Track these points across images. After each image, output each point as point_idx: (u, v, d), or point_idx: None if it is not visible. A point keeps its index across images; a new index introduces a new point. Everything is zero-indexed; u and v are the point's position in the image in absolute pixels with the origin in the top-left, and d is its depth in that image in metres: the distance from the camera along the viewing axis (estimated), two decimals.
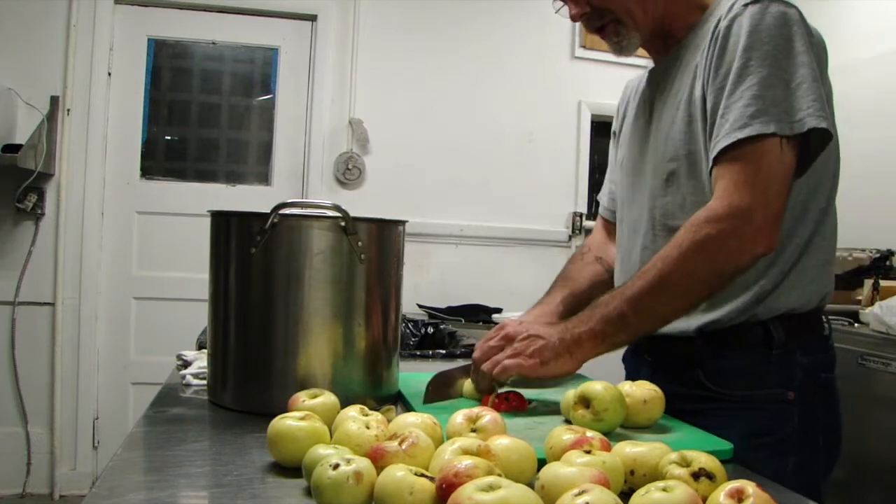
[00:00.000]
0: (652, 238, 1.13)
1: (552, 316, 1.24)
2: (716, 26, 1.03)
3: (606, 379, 0.96)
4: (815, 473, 1.05)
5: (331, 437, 0.79)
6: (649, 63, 1.27)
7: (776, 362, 1.04)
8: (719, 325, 1.05)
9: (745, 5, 1.00)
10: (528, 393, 1.08)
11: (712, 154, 0.99)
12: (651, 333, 1.04)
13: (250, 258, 0.97)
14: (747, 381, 1.05)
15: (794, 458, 1.01)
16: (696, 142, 1.05)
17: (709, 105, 1.02)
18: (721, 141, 0.98)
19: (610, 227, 1.38)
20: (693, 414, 1.01)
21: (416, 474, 0.63)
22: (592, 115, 3.59)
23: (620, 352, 1.27)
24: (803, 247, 1.05)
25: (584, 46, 3.57)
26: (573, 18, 1.13)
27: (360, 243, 0.99)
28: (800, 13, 1.00)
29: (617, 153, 1.32)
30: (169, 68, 3.33)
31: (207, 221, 1.05)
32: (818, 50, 1.02)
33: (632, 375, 1.22)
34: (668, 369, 1.11)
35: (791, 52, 0.97)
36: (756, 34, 0.97)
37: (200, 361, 1.17)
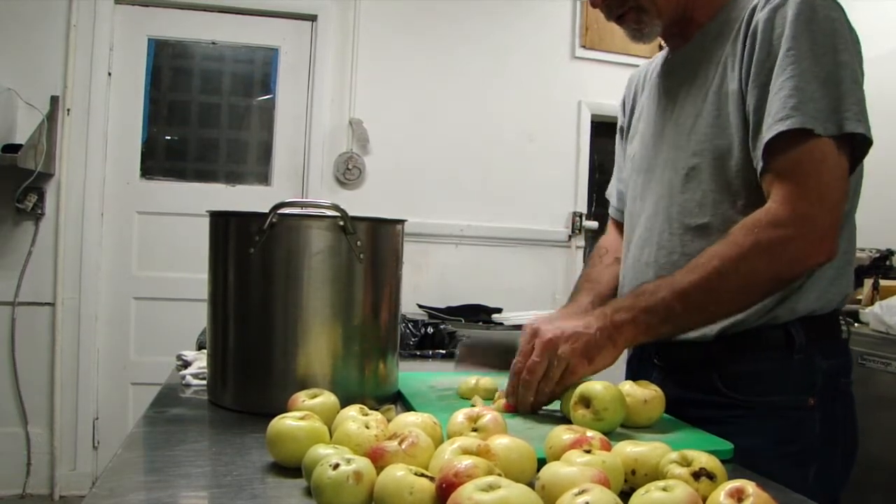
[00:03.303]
0: (668, 237, 1.08)
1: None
2: (750, 17, 0.99)
3: (607, 379, 0.96)
4: (836, 482, 1.02)
5: (331, 437, 0.79)
6: (649, 60, 1.26)
7: (797, 367, 1.00)
8: (742, 326, 1.01)
9: None
10: None
11: (759, 150, 0.95)
12: (693, 330, 1.01)
13: (249, 258, 0.97)
14: (767, 387, 1.01)
15: (815, 466, 0.98)
16: (724, 136, 1.01)
17: (751, 102, 0.97)
18: (765, 135, 0.94)
19: (622, 227, 1.33)
20: (709, 422, 0.97)
21: (416, 474, 0.63)
22: (592, 115, 3.59)
23: (625, 354, 1.27)
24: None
25: (584, 46, 3.57)
26: (593, 4, 1.10)
27: (359, 243, 0.99)
28: (843, 10, 0.97)
29: (626, 149, 1.28)
30: (169, 68, 3.33)
31: (207, 221, 1.05)
32: (859, 45, 0.99)
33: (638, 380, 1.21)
34: (681, 375, 1.07)
35: (835, 50, 0.94)
36: (799, 26, 0.93)
37: (200, 361, 1.17)
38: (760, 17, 0.98)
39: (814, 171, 0.92)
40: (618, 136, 1.35)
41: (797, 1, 0.95)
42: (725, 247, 0.94)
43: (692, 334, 1.03)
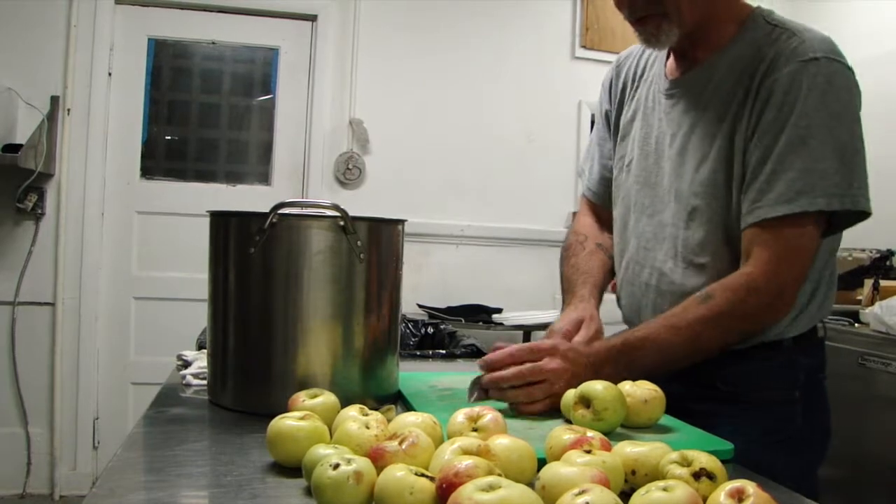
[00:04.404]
0: (672, 267, 1.13)
1: (595, 321, 1.20)
2: (764, 74, 1.00)
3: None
4: (814, 464, 1.11)
5: (331, 437, 0.79)
6: (640, 49, 1.25)
7: (784, 365, 1.08)
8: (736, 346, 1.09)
9: (804, 61, 0.97)
10: None
11: (749, 218, 1.01)
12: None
13: (249, 258, 0.97)
14: (758, 383, 1.08)
15: (798, 452, 1.05)
16: (726, 187, 1.06)
17: (751, 160, 1.01)
18: (764, 210, 0.99)
19: (598, 210, 1.36)
20: (704, 415, 1.01)
21: (416, 474, 0.63)
22: (593, 116, 3.58)
23: None
24: (815, 285, 1.09)
25: (584, 46, 3.57)
26: (617, 5, 1.09)
27: (359, 243, 0.99)
28: (853, 72, 1.00)
29: (614, 140, 1.28)
30: (169, 68, 3.33)
31: (207, 221, 1.05)
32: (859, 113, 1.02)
33: None
34: (683, 372, 1.11)
35: (847, 122, 0.98)
36: (813, 99, 0.96)
37: (200, 361, 1.17)
38: (777, 78, 0.99)
39: (794, 241, 0.99)
40: (601, 119, 1.34)
41: (813, 71, 0.97)
42: (708, 311, 1.02)
43: None
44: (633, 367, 1.02)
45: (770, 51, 1.01)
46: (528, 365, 0.98)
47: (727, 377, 1.09)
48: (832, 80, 0.97)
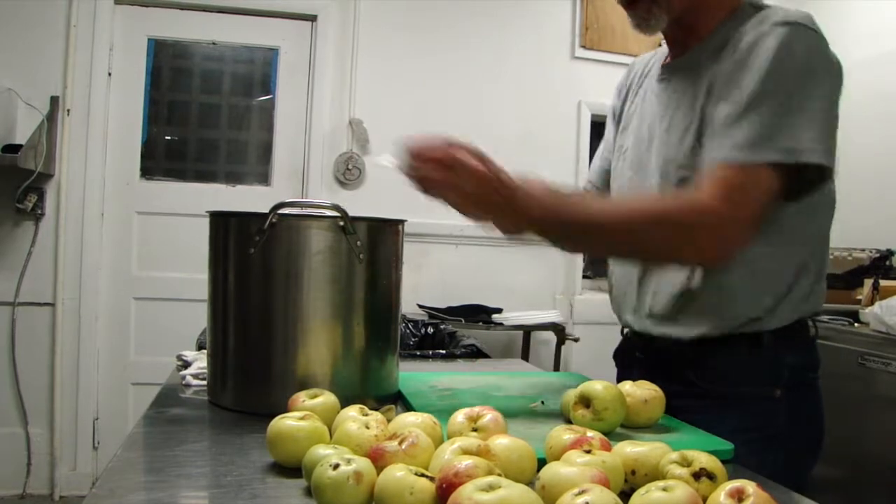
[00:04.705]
0: None
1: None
2: (738, 41, 1.02)
3: (606, 379, 0.96)
4: (801, 467, 1.09)
5: (331, 437, 0.79)
6: (652, 53, 1.26)
7: (764, 361, 1.07)
8: (717, 332, 1.07)
9: (775, 24, 0.99)
10: (528, 393, 1.07)
11: (708, 156, 1.00)
12: (578, 252, 1.06)
13: (249, 258, 0.97)
14: (737, 379, 1.08)
15: (782, 452, 1.04)
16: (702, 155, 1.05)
17: (715, 111, 1.01)
18: (720, 153, 0.98)
19: None
20: (683, 411, 1.02)
21: (416, 474, 0.63)
22: (592, 115, 3.59)
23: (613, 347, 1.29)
24: (797, 271, 1.07)
25: (584, 46, 3.57)
26: None
27: (358, 243, 0.99)
28: (825, 40, 0.99)
29: (617, 138, 1.30)
30: (169, 68, 3.33)
31: (207, 221, 1.05)
32: (838, 79, 1.01)
33: (624, 373, 1.24)
34: (661, 368, 1.13)
35: (810, 83, 0.97)
36: (780, 60, 0.96)
37: (200, 362, 1.17)
38: (746, 40, 1.01)
39: (748, 192, 0.97)
40: (609, 117, 1.38)
41: (781, 32, 0.98)
42: (652, 205, 1.02)
43: (672, 334, 1.10)
44: (561, 226, 0.99)
45: (750, 23, 1.03)
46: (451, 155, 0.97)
47: (704, 373, 1.09)
48: (798, 41, 0.97)
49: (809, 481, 1.09)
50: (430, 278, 3.35)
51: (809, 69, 0.97)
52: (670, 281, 1.10)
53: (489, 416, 0.82)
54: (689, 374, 1.09)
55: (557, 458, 0.72)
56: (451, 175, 0.95)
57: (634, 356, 1.21)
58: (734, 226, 0.96)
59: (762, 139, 0.95)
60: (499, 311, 3.20)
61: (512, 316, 3.13)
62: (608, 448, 0.75)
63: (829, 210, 1.10)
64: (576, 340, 3.29)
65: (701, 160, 1.02)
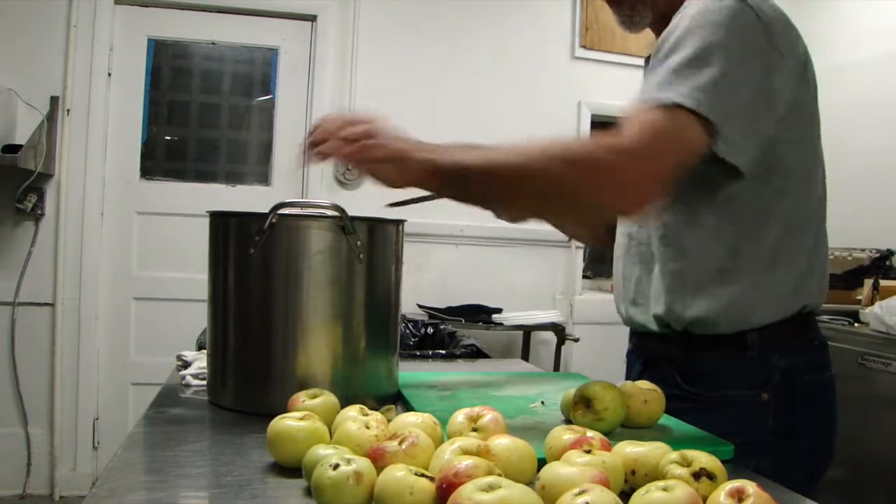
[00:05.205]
0: (637, 229, 1.14)
1: None
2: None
3: (606, 379, 0.96)
4: (797, 476, 0.99)
5: (331, 437, 0.79)
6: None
7: (750, 363, 1.04)
8: (701, 329, 1.05)
9: None
10: (528, 393, 1.07)
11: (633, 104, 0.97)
12: (480, 204, 1.02)
13: (249, 258, 0.97)
14: (721, 382, 1.05)
15: (768, 459, 0.99)
16: None
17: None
18: (634, 104, 0.95)
19: None
20: (672, 413, 1.01)
21: (416, 474, 0.63)
22: (592, 115, 3.59)
23: (622, 350, 1.28)
24: (768, 260, 1.03)
25: (584, 46, 3.57)
26: None
27: (358, 243, 0.99)
28: (759, 16, 0.95)
29: None
30: (169, 68, 3.33)
31: (207, 222, 1.05)
32: (774, 57, 0.96)
33: (628, 373, 1.24)
34: (652, 369, 1.13)
35: (721, 45, 0.93)
36: (694, 21, 0.95)
37: (200, 362, 1.17)
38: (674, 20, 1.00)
39: (661, 130, 0.91)
40: None
41: (708, 3, 0.96)
42: (567, 144, 0.95)
43: (660, 314, 1.08)
44: (453, 154, 0.95)
45: None
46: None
47: (688, 375, 1.07)
48: (720, 9, 0.94)
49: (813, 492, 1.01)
50: (430, 278, 3.36)
51: (726, 31, 0.93)
52: (647, 267, 1.10)
53: (489, 416, 0.82)
54: (674, 375, 1.08)
55: (557, 458, 0.72)
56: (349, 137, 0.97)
57: (639, 356, 1.21)
58: (650, 166, 0.91)
59: (665, 84, 0.92)
60: (499, 311, 3.20)
61: (512, 316, 3.13)
62: (608, 448, 0.75)
63: (804, 191, 1.04)
64: (576, 340, 3.29)
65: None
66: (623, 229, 1.19)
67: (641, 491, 0.61)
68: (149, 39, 3.21)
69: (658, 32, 1.16)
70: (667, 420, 0.99)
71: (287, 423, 0.78)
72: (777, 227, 1.03)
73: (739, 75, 0.94)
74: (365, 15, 3.33)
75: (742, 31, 0.94)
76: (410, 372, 1.24)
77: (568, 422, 0.94)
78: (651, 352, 1.15)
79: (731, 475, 0.69)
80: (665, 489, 0.60)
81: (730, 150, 0.93)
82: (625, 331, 1.26)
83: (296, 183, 3.33)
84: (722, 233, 1.03)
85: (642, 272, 1.13)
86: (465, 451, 0.68)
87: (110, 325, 3.16)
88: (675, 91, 0.91)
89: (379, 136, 0.97)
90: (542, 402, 1.07)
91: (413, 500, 0.61)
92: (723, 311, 1.03)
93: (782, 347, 1.04)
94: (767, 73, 0.96)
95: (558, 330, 3.19)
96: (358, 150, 0.97)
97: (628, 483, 0.71)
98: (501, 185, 0.95)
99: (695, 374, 1.07)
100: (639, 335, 1.18)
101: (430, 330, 1.77)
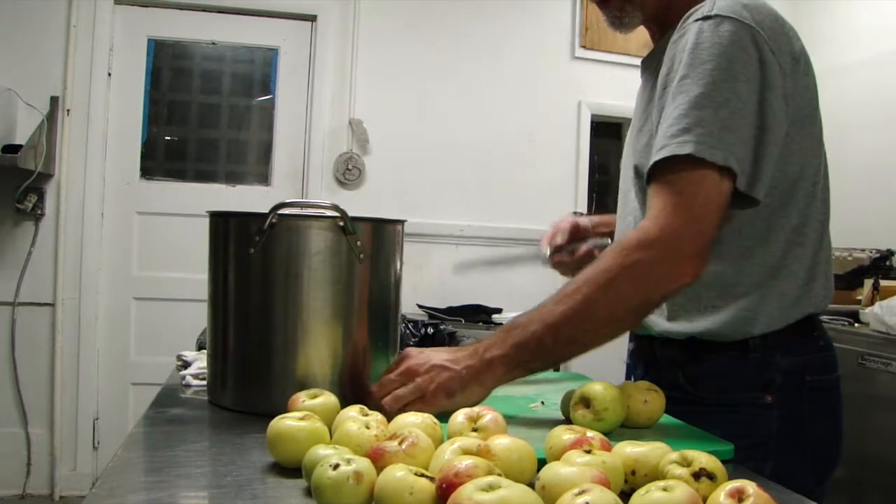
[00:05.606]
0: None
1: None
2: (676, 39, 1.00)
3: (606, 379, 0.96)
4: (799, 479, 0.96)
5: (331, 437, 0.79)
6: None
7: (752, 366, 1.02)
8: (705, 336, 1.05)
9: (696, 20, 0.96)
10: (528, 393, 1.07)
11: (647, 171, 0.96)
12: (567, 360, 1.03)
13: (249, 259, 0.97)
14: (724, 384, 1.04)
15: (772, 462, 0.98)
16: (647, 158, 1.01)
17: (655, 119, 1.00)
18: (652, 158, 0.95)
19: None
20: (673, 416, 1.00)
21: (416, 474, 0.63)
22: (592, 115, 3.59)
23: (622, 350, 1.28)
24: (773, 269, 1.02)
25: (584, 46, 3.57)
26: None
27: (358, 243, 0.99)
28: (756, 34, 0.94)
29: None
30: (169, 68, 3.34)
31: (207, 222, 1.05)
32: (773, 74, 0.94)
33: (629, 375, 1.23)
34: (654, 371, 1.12)
35: (729, 77, 0.92)
36: (696, 52, 0.94)
37: (200, 362, 1.17)
38: (673, 40, 1.00)
39: (690, 190, 0.92)
40: None
41: (700, 27, 0.95)
42: (594, 272, 0.93)
43: (665, 328, 1.07)
44: (522, 349, 0.93)
45: (689, 19, 1.00)
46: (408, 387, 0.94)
47: (689, 377, 1.06)
48: (720, 33, 0.93)
49: (819, 495, 1.01)
50: (430, 278, 3.36)
51: (728, 60, 0.92)
52: None
53: (489, 416, 0.82)
54: (678, 378, 1.07)
55: (557, 458, 0.72)
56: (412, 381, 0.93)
57: (640, 358, 1.20)
58: (693, 235, 0.91)
59: (680, 132, 0.91)
60: (499, 311, 3.20)
61: (512, 316, 3.12)
62: (608, 448, 0.75)
63: (806, 201, 1.03)
64: None
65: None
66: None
67: (641, 491, 0.61)
68: (149, 39, 3.21)
69: (653, 32, 1.16)
70: (667, 420, 0.99)
71: (287, 423, 0.77)
72: (782, 237, 1.02)
73: (748, 109, 0.93)
74: (365, 15, 3.33)
75: (744, 58, 0.93)
76: None
77: (568, 422, 0.94)
78: (652, 354, 1.14)
79: (732, 475, 0.69)
80: (665, 489, 0.60)
81: (750, 187, 0.93)
82: None
83: (296, 183, 3.33)
84: (727, 249, 1.01)
85: None
86: (465, 451, 0.68)
87: (110, 325, 3.16)
88: (689, 143, 0.90)
89: (431, 375, 0.93)
90: (542, 402, 1.06)
91: (413, 500, 0.61)
92: (727, 325, 1.03)
93: (785, 349, 1.03)
94: (772, 92, 0.95)
95: None
96: (431, 397, 0.93)
97: (628, 483, 0.71)
98: (571, 340, 0.94)
99: (697, 376, 1.06)
100: (639, 337, 1.18)
101: (431, 330, 1.77)
